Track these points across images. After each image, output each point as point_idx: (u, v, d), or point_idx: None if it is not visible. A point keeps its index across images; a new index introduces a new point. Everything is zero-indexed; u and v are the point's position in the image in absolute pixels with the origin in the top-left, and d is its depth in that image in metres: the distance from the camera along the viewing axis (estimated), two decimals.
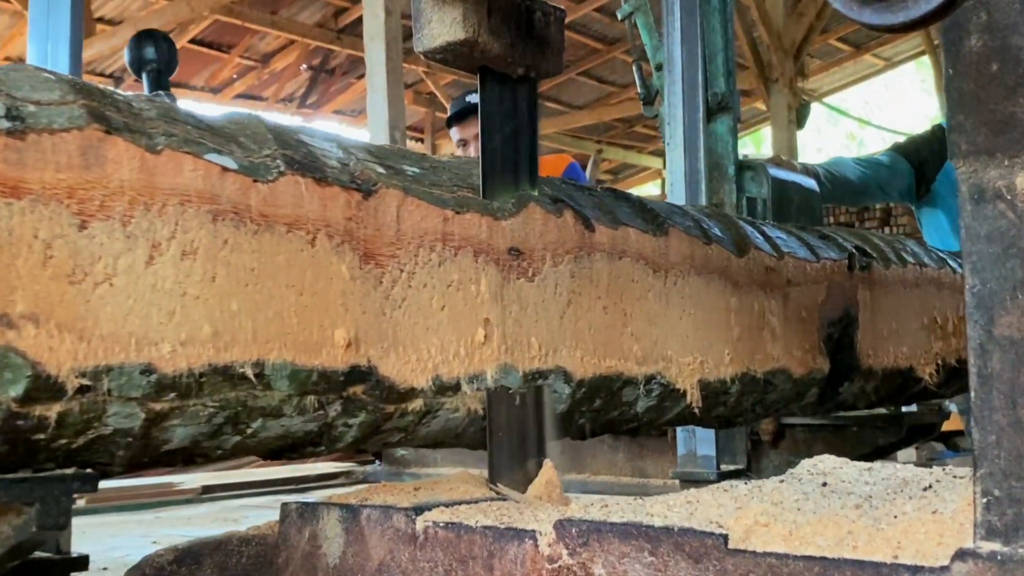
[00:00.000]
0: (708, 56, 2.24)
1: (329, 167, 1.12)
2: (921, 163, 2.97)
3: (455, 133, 3.84)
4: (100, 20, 10.07)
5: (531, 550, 0.89)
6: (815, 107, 13.24)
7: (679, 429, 2.23)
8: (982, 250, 0.74)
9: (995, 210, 0.74)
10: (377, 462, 2.88)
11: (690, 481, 2.25)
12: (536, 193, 1.33)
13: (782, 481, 1.09)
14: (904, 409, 2.47)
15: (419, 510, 0.98)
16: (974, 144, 0.75)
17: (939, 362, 2.07)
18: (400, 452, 2.80)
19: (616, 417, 1.49)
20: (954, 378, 2.17)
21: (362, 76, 10.33)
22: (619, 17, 2.39)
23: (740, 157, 2.32)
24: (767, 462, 2.34)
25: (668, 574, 0.81)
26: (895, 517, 0.85)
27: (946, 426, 2.82)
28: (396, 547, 0.97)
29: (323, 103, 11.95)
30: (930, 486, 1.00)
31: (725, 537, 0.80)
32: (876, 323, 1.91)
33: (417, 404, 1.19)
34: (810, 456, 1.23)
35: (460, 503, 1.05)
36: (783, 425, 2.40)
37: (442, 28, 1.23)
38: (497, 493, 1.18)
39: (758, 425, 2.36)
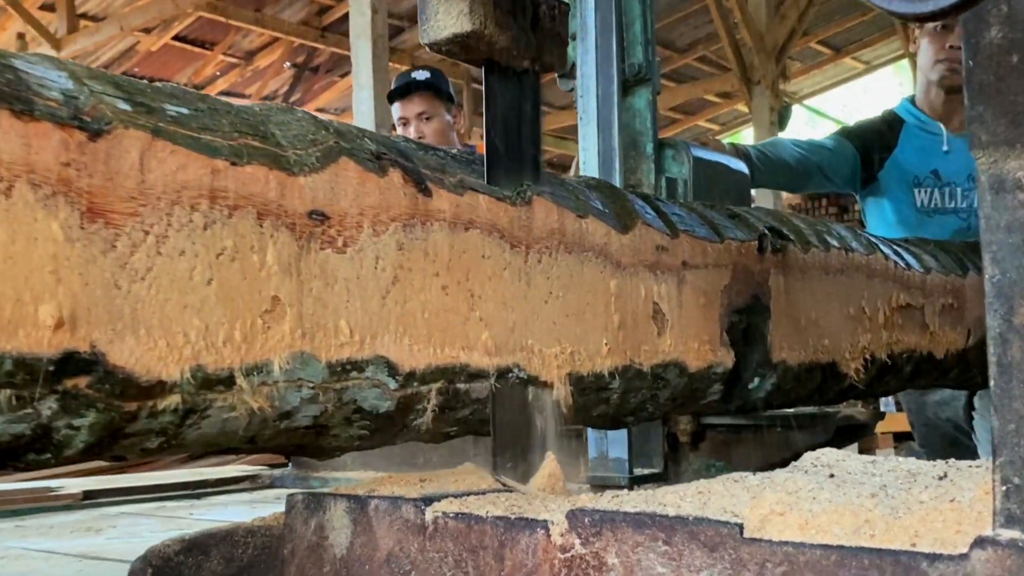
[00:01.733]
0: (625, 24, 1.96)
1: (43, 98, 0.83)
2: (868, 149, 2.69)
3: (397, 110, 3.56)
4: (83, 16, 9.77)
5: (543, 540, 0.85)
6: (796, 109, 13.03)
7: (590, 430, 1.95)
8: (1002, 240, 0.71)
9: (1015, 200, 0.71)
10: (289, 466, 2.59)
11: (603, 486, 1.96)
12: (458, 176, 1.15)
13: (791, 472, 1.04)
14: (832, 409, 2.20)
15: (428, 501, 0.94)
16: (994, 135, 0.72)
17: (867, 357, 1.79)
18: None
19: (469, 417, 1.21)
20: (886, 374, 1.89)
21: (346, 74, 10.05)
22: None
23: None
24: (686, 465, 2.07)
25: (683, 563, 0.78)
26: (912, 506, 0.82)
27: (882, 427, 2.56)
28: (405, 538, 0.94)
29: (306, 101, 11.66)
30: (945, 475, 0.96)
31: (740, 526, 0.76)
32: (792, 312, 1.63)
33: (172, 401, 0.91)
34: (730, 459, 1.14)
35: (468, 494, 1.00)
36: (703, 426, 2.12)
37: (448, 20, 1.18)
38: (504, 485, 1.13)
39: (676, 426, 2.09)
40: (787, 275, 1.63)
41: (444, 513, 0.92)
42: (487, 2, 1.18)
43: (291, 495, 1.04)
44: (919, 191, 2.61)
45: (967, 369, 2.16)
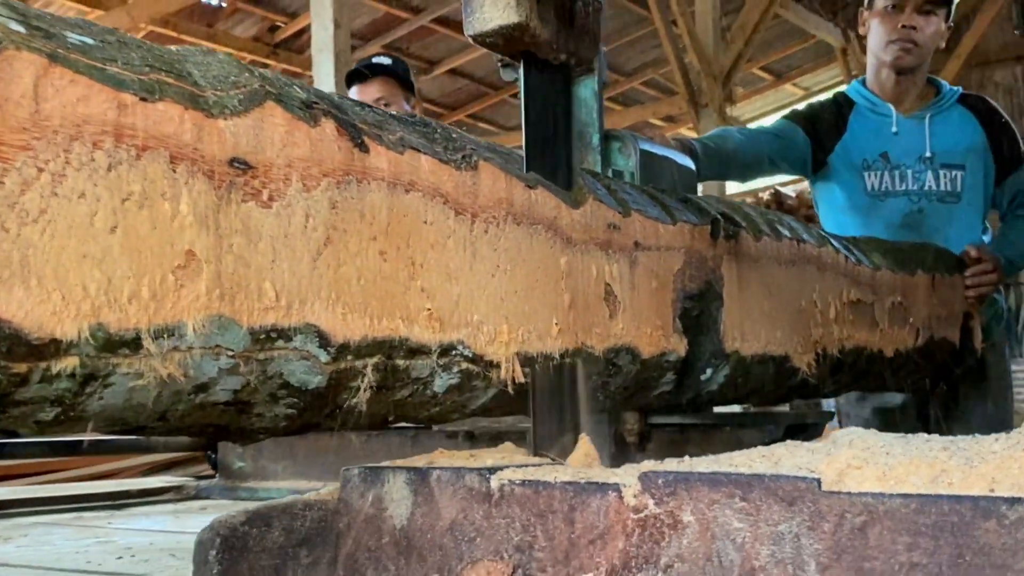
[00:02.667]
0: None
1: None
2: (818, 132, 2.61)
3: (354, 94, 3.40)
4: None
5: (615, 501, 0.83)
6: None
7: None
8: None
9: None
10: (216, 476, 2.43)
11: None
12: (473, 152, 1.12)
13: (848, 433, 1.04)
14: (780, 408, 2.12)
15: (491, 470, 0.91)
16: None
17: (819, 352, 1.71)
18: (238, 464, 2.36)
19: (409, 399, 1.10)
20: (837, 371, 1.82)
21: None
22: None
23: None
24: None
25: (760, 518, 0.76)
26: (986, 456, 0.83)
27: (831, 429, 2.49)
28: (469, 506, 0.91)
29: None
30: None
31: (818, 480, 0.75)
32: (745, 301, 1.55)
33: (69, 364, 0.77)
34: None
35: (527, 466, 0.97)
36: (650, 425, 2.03)
37: (495, 12, 1.19)
38: (552, 460, 1.11)
39: (623, 426, 1.98)
40: (740, 263, 1.55)
41: (510, 480, 0.89)
42: None
43: (347, 469, 1.00)
44: (869, 174, 2.54)
45: (915, 370, 2.10)
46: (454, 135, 1.13)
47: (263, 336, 0.90)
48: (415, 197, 1.04)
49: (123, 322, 0.80)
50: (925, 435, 1.04)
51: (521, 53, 1.26)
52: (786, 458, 0.91)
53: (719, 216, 1.51)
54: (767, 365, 1.61)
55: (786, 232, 1.67)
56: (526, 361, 1.18)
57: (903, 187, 2.51)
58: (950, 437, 1.00)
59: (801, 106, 2.77)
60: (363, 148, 0.98)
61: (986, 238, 2.64)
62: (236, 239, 0.88)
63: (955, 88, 2.68)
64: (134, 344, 0.81)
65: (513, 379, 1.16)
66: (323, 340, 0.95)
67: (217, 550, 0.91)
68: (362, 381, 1.01)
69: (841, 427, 2.71)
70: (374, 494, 0.97)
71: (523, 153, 1.25)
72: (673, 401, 1.52)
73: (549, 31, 1.23)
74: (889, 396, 2.43)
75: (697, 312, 1.47)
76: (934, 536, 0.69)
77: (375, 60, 3.47)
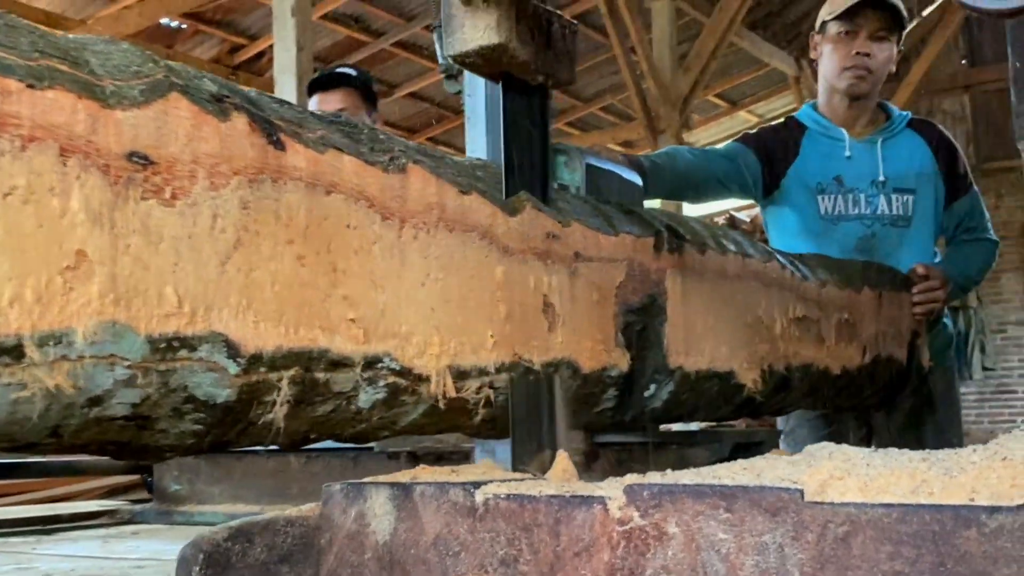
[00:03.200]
0: None
1: None
2: (770, 156, 2.56)
3: (315, 102, 3.30)
4: None
5: (600, 514, 0.83)
6: None
7: (476, 444, 1.77)
8: None
9: None
10: (152, 500, 2.32)
11: None
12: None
13: (823, 447, 1.04)
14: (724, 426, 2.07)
15: (476, 485, 0.90)
16: None
17: (765, 368, 1.67)
18: (173, 488, 2.26)
19: (331, 415, 1.02)
20: (783, 388, 1.77)
21: None
22: None
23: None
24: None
25: (744, 529, 0.77)
26: (965, 466, 0.84)
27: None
28: (453, 520, 0.90)
29: None
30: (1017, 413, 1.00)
31: (801, 491, 0.76)
32: (689, 316, 1.49)
33: None
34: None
35: (511, 480, 0.97)
36: (597, 444, 1.97)
37: (476, 33, 1.21)
38: (534, 475, 1.12)
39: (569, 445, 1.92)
40: (684, 277, 1.49)
41: (495, 495, 0.89)
42: (511, 18, 1.20)
43: (328, 485, 0.98)
44: (823, 198, 2.50)
45: (863, 389, 2.06)
46: (382, 136, 1.06)
47: (164, 345, 0.83)
48: (337, 199, 0.97)
49: (3, 327, 0.72)
50: (902, 449, 1.04)
51: (500, 74, 1.28)
52: (768, 470, 0.93)
53: (663, 228, 1.46)
54: (712, 382, 1.56)
55: (731, 246, 1.63)
56: (459, 375, 1.11)
57: (856, 211, 2.48)
58: (928, 450, 1.00)
59: (753, 129, 2.74)
60: (279, 145, 0.92)
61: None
62: (134, 239, 0.80)
63: (905, 113, 2.67)
64: (15, 352, 0.73)
65: (444, 394, 1.09)
66: (232, 350, 0.88)
67: (200, 566, 0.89)
68: (277, 395, 0.93)
69: (784, 446, 2.67)
70: (356, 510, 0.95)
71: (502, 174, 1.25)
72: (616, 418, 1.46)
73: (528, 52, 1.24)
74: (835, 416, 2.39)
75: (640, 326, 1.41)
76: (916, 545, 0.70)
77: (339, 70, 3.39)
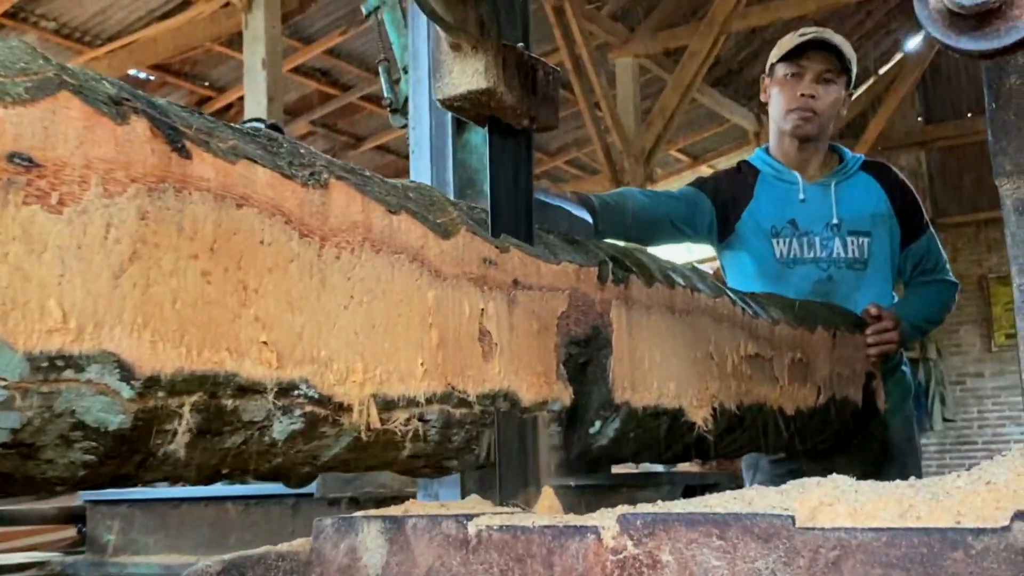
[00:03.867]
0: None
1: None
2: (724, 200, 2.52)
3: None
4: None
5: (594, 544, 0.83)
6: None
7: (419, 488, 1.68)
8: None
9: None
10: (85, 551, 2.20)
11: None
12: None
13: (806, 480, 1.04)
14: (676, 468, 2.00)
15: (468, 517, 0.89)
16: (1017, 165, 0.80)
17: (716, 406, 1.60)
18: (106, 538, 2.14)
19: (243, 447, 0.94)
20: (736, 428, 1.71)
21: None
22: (364, 12, 1.92)
23: None
24: None
25: (737, 555, 0.77)
26: (950, 491, 0.85)
27: None
28: (446, 552, 0.90)
29: None
30: (971, 450, 1.02)
31: (792, 518, 0.76)
32: (636, 350, 1.43)
33: None
34: None
35: (502, 513, 0.96)
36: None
37: (464, 78, 1.23)
38: (523, 508, 1.10)
39: None
40: (630, 309, 1.44)
41: (488, 526, 0.88)
42: (498, 64, 1.22)
43: (319, 520, 0.97)
44: (778, 241, 2.45)
45: (818, 430, 2.01)
46: (302, 150, 1.00)
47: (46, 364, 0.75)
48: (249, 213, 0.90)
49: None
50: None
51: (487, 117, 1.30)
52: (758, 499, 0.94)
53: (607, 258, 1.41)
54: (661, 419, 1.49)
55: (680, 280, 1.57)
56: (386, 405, 1.04)
57: (812, 254, 2.45)
58: (913, 477, 1.02)
59: (707, 173, 2.71)
60: (184, 153, 0.85)
61: None
62: (14, 247, 0.73)
63: (858, 156, 2.65)
64: None
65: (368, 425, 1.01)
66: (125, 372, 0.80)
67: None
68: (179, 423, 0.85)
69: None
70: (347, 543, 0.94)
71: (487, 218, 1.27)
72: (561, 456, 1.39)
73: (514, 97, 1.26)
74: (790, 461, 2.32)
75: (584, 359, 1.35)
76: (905, 567, 0.71)
77: (259, 124, 3.37)
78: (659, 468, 2.42)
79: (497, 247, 1.21)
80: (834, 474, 1.02)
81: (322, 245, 0.97)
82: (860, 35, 11.24)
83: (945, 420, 10.02)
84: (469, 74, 1.22)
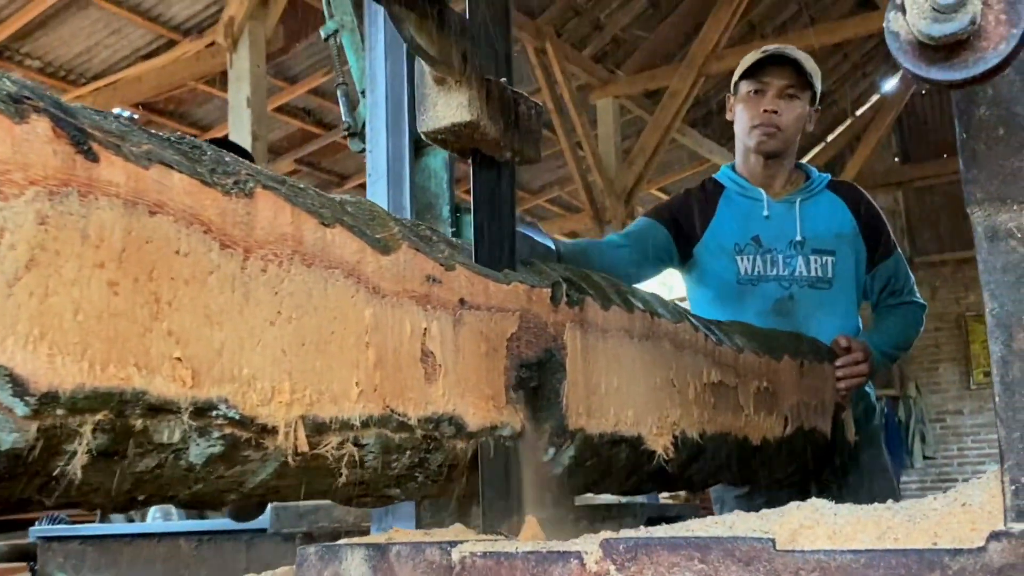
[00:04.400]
0: (419, 74, 1.74)
1: None
2: (681, 222, 2.46)
3: None
4: None
5: (577, 569, 0.83)
6: None
7: (373, 514, 1.61)
8: (999, 279, 0.80)
9: (1008, 246, 0.80)
10: None
11: None
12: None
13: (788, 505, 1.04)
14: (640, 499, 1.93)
15: (452, 544, 0.89)
16: (988, 193, 0.81)
17: (677, 434, 1.54)
18: (58, 575, 2.05)
19: (157, 471, 0.88)
20: (699, 457, 1.65)
21: None
22: (322, 36, 1.89)
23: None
24: None
25: None
26: (927, 513, 0.87)
27: None
28: None
29: None
30: (952, 487, 1.00)
31: (773, 540, 0.77)
32: (592, 375, 1.38)
33: None
34: None
35: (485, 540, 0.96)
36: None
37: (448, 111, 1.24)
38: (507, 536, 1.11)
39: (466, 519, 1.76)
40: (586, 332, 1.38)
41: (471, 552, 0.88)
42: (482, 97, 1.23)
43: (303, 547, 0.97)
44: (741, 259, 2.39)
45: (786, 461, 1.95)
46: (228, 159, 0.95)
47: None
48: (164, 221, 0.85)
49: None
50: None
51: (471, 150, 1.31)
52: (739, 523, 0.95)
53: (561, 280, 1.35)
54: (620, 447, 1.43)
55: (639, 304, 1.52)
56: (316, 428, 0.98)
57: (774, 272, 2.39)
58: (890, 500, 1.02)
59: (668, 197, 2.66)
60: (90, 156, 0.79)
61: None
62: None
63: (824, 175, 2.62)
64: None
65: (296, 449, 0.95)
66: (18, 387, 0.73)
67: None
68: (79, 444, 0.79)
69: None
70: (331, 571, 0.95)
71: (471, 246, 1.27)
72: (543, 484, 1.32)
73: (497, 130, 1.27)
74: (758, 495, 2.25)
75: (535, 383, 1.29)
76: None
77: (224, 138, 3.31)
78: (621, 500, 2.35)
79: (442, 264, 1.15)
80: (813, 497, 1.02)
81: (246, 257, 0.91)
82: (837, 77, 11.36)
83: (925, 457, 9.96)
84: (453, 107, 1.23)
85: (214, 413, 0.88)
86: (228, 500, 1.01)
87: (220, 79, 7.85)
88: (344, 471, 1.05)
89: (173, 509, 2.88)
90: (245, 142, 6.42)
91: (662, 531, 0.94)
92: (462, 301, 1.17)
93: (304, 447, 0.95)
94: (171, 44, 8.13)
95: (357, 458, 1.05)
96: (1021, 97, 0.81)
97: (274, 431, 0.93)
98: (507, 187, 1.35)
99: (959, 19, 0.73)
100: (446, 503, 1.62)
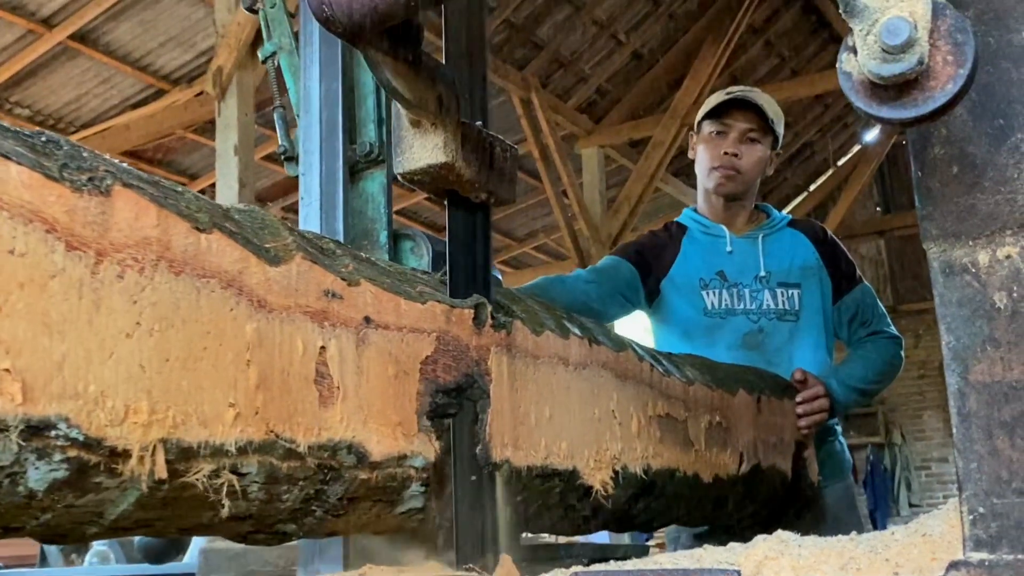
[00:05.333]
0: (356, 100, 1.66)
1: None
2: (648, 260, 2.39)
3: None
4: None
5: None
6: None
7: (300, 557, 1.49)
8: (954, 313, 0.80)
9: (963, 281, 0.80)
10: None
11: None
12: None
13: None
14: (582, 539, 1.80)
15: None
16: (943, 229, 0.82)
17: (618, 469, 1.43)
18: None
19: None
20: (646, 495, 1.53)
21: None
22: (260, 58, 1.81)
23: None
24: None
25: None
26: (889, 543, 0.87)
27: None
28: None
29: None
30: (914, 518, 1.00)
31: (738, 572, 0.78)
32: (519, 403, 1.27)
33: None
34: None
35: None
36: None
37: (424, 153, 1.24)
38: (479, 572, 1.10)
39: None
40: (514, 358, 1.27)
41: None
42: (457, 139, 1.23)
43: None
44: (707, 293, 2.32)
45: (743, 501, 1.83)
46: (86, 154, 0.85)
47: None
48: None
49: None
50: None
51: (446, 191, 1.30)
52: (707, 556, 0.96)
53: (485, 300, 1.25)
54: (551, 481, 1.31)
55: (576, 330, 1.42)
56: (182, 453, 0.86)
57: (742, 306, 2.32)
58: (854, 533, 1.02)
59: (634, 236, 2.60)
60: None
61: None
62: None
63: (786, 214, 2.56)
64: None
65: (154, 476, 0.84)
66: None
67: None
68: None
69: None
70: None
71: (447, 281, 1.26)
72: (428, 524, 1.21)
73: (472, 172, 1.27)
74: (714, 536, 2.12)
75: (454, 410, 1.18)
76: None
77: None
78: (562, 540, 2.21)
79: (344, 279, 1.05)
80: (779, 530, 1.01)
81: (98, 261, 0.81)
82: (819, 128, 11.40)
83: (911, 505, 9.78)
84: (428, 149, 1.23)
85: (52, 433, 0.77)
86: (90, 533, 0.89)
87: (208, 128, 7.82)
88: (227, 503, 0.93)
89: (112, 554, 2.74)
90: (232, 189, 6.36)
91: (631, 564, 0.95)
92: (367, 319, 1.07)
93: (162, 473, 0.84)
94: (160, 93, 8.12)
95: (238, 488, 0.93)
96: (974, 136, 0.82)
97: (127, 454, 0.82)
98: (482, 227, 1.35)
99: (907, 60, 0.73)
100: (383, 543, 1.50)
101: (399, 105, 1.22)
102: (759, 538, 0.97)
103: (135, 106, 8.18)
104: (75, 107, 8.15)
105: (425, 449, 1.12)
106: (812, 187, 11.96)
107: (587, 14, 8.93)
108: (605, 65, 9.66)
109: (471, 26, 1.36)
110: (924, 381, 10.74)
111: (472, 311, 1.22)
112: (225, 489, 0.91)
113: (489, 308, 1.24)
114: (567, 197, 9.70)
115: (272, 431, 0.94)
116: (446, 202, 1.32)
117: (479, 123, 1.33)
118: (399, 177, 1.29)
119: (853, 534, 0.99)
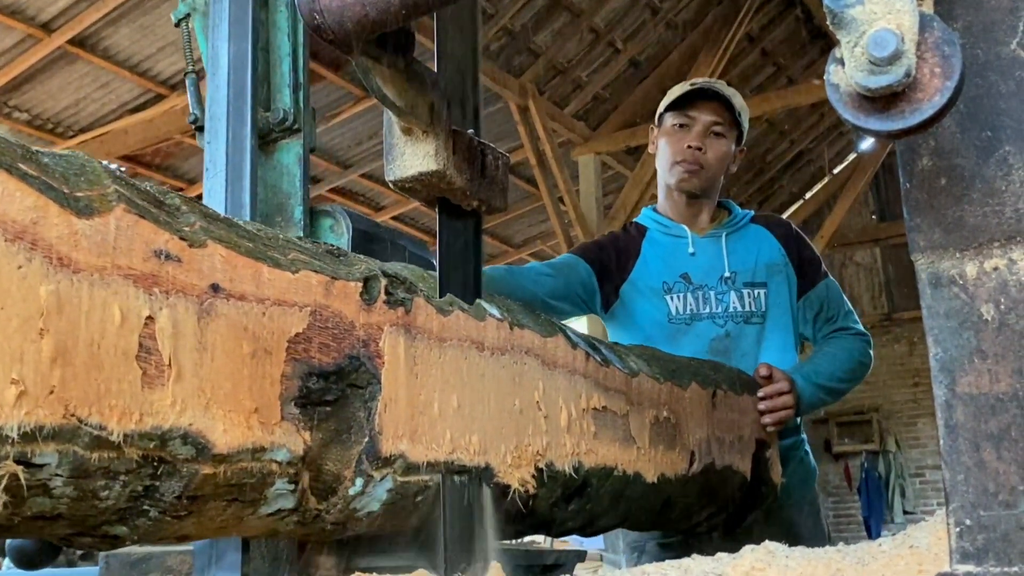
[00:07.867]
0: (270, 64, 1.49)
1: None
2: (606, 264, 2.20)
3: None
4: None
5: None
6: None
7: (195, 546, 1.31)
8: (942, 324, 0.79)
9: (950, 292, 0.79)
10: None
11: None
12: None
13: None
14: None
15: None
16: (930, 241, 0.80)
17: (542, 467, 1.24)
18: None
19: None
20: (579, 495, 1.34)
21: None
22: (173, 20, 1.64)
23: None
24: None
25: None
26: (876, 555, 0.86)
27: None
28: None
29: None
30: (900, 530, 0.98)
31: None
32: (420, 391, 1.08)
33: None
34: None
35: None
36: (361, 569, 1.50)
37: (415, 160, 1.22)
38: None
39: (314, 571, 1.45)
40: (414, 340, 1.09)
41: None
42: (448, 147, 1.21)
43: None
44: (671, 298, 2.13)
45: (695, 503, 1.64)
46: None
47: None
48: None
49: None
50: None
51: (437, 199, 1.28)
52: (695, 566, 0.94)
53: (380, 274, 1.07)
54: (461, 479, 1.13)
55: (495, 312, 1.23)
56: None
57: (707, 310, 2.12)
58: (841, 544, 1.00)
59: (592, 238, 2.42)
60: None
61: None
62: None
63: (748, 210, 2.38)
64: None
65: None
66: None
67: None
68: None
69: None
70: None
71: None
72: (311, 527, 1.02)
73: (463, 179, 1.25)
74: (683, 546, 1.93)
75: (334, 397, 0.99)
76: None
77: None
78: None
79: (184, 239, 0.87)
80: (767, 541, 0.98)
81: None
82: (815, 136, 11.21)
83: (906, 512, 9.54)
84: (420, 157, 1.21)
85: None
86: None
87: None
88: (30, 500, 0.75)
89: (7, 561, 2.57)
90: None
91: (618, 574, 0.95)
92: (215, 287, 0.89)
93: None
94: (159, 98, 7.99)
95: (38, 483, 0.75)
96: (962, 148, 0.80)
97: None
98: (473, 234, 1.32)
99: (894, 71, 0.72)
100: (287, 550, 1.32)
101: (390, 113, 1.19)
102: (747, 548, 0.96)
103: (133, 111, 8.05)
104: (74, 111, 8.02)
105: (291, 440, 0.94)
106: (808, 195, 11.76)
107: (584, 22, 8.78)
108: (602, 73, 9.50)
109: (464, 33, 1.32)
110: (918, 389, 10.50)
111: (360, 284, 1.04)
112: (4, 482, 0.73)
113: (383, 282, 1.06)
114: (564, 204, 9.54)
115: (73, 414, 0.76)
116: (437, 210, 1.29)
117: (471, 131, 1.30)
118: (391, 185, 1.25)
119: (840, 544, 0.98)
